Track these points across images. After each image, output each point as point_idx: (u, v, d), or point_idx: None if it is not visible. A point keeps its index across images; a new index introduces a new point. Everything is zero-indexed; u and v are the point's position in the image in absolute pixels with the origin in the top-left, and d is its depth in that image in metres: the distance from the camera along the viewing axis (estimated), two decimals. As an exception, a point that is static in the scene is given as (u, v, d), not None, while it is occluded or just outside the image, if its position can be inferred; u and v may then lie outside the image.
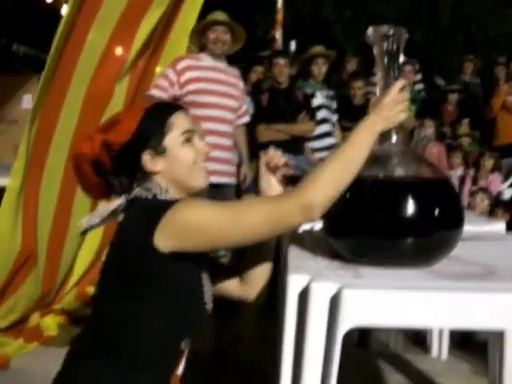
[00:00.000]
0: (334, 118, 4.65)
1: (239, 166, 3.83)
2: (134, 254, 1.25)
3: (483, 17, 10.96)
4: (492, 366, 2.02)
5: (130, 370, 1.26)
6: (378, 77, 1.40)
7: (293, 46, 7.41)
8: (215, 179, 3.23)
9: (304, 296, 1.21)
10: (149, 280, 1.25)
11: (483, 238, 1.86)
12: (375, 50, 1.40)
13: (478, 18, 10.99)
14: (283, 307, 1.27)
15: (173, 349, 1.33)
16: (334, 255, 1.44)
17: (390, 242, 1.32)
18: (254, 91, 4.65)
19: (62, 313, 3.20)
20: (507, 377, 1.70)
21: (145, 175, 1.36)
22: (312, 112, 4.21)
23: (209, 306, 1.38)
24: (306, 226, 1.85)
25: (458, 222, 1.37)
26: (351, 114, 4.49)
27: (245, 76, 5.30)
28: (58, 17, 2.82)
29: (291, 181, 1.44)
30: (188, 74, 3.34)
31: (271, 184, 1.45)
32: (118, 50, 3.01)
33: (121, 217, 1.36)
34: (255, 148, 3.79)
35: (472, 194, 4.95)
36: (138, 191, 1.35)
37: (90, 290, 3.49)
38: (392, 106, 1.30)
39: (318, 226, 1.59)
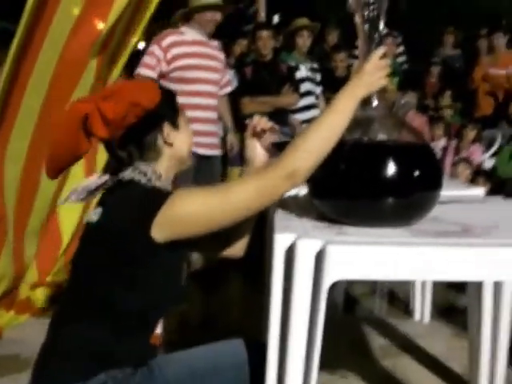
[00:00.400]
0: (318, 90, 4.68)
1: (224, 136, 3.87)
2: (127, 238, 1.28)
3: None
4: (471, 326, 2.11)
5: (114, 334, 1.31)
6: (360, 45, 1.45)
7: (276, 18, 7.41)
8: (203, 151, 3.26)
9: (290, 253, 1.27)
10: (139, 266, 1.30)
11: (462, 201, 1.93)
12: (356, 18, 1.44)
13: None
14: (270, 265, 1.33)
15: (154, 319, 1.40)
16: (319, 217, 1.50)
17: (371, 202, 1.38)
18: (238, 64, 4.67)
19: (51, 285, 3.24)
20: (486, 321, 1.79)
21: (155, 149, 1.39)
22: (296, 84, 4.24)
23: (183, 281, 1.44)
24: (291, 192, 1.91)
25: (436, 183, 1.44)
26: (334, 86, 4.51)
27: (229, 49, 5.31)
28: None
29: (279, 148, 1.48)
30: (174, 51, 3.36)
31: (257, 152, 1.50)
32: (94, 20, 2.94)
33: (106, 193, 1.38)
34: (240, 120, 3.83)
35: (454, 164, 5.04)
36: (131, 173, 1.36)
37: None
38: (373, 72, 1.35)
39: (304, 191, 1.64)
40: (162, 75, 3.37)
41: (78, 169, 3.04)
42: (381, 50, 1.37)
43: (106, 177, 1.38)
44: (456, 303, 3.18)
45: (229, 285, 3.58)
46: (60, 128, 1.36)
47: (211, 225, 1.29)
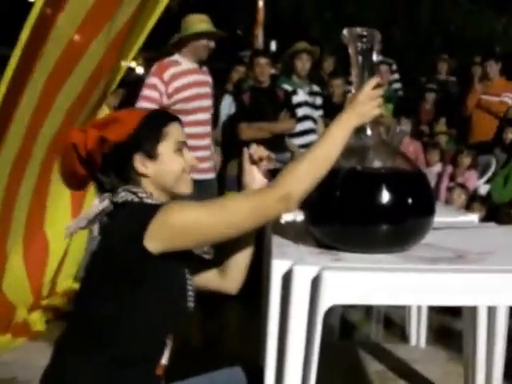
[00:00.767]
0: (317, 114, 4.67)
1: None
2: (124, 256, 1.30)
3: (461, 18, 11.14)
4: (467, 350, 2.13)
5: (116, 366, 1.31)
6: (353, 75, 1.50)
7: (273, 46, 7.51)
8: (200, 176, 3.29)
9: (287, 279, 1.30)
10: (136, 281, 1.31)
11: (456, 227, 1.96)
12: (350, 50, 1.49)
13: (456, 20, 11.16)
14: (268, 291, 1.35)
15: (157, 344, 1.38)
16: (315, 243, 1.53)
17: (365, 228, 1.42)
18: (236, 90, 4.73)
19: (48, 308, 3.25)
20: (481, 345, 1.81)
21: (132, 177, 1.41)
22: (293, 110, 4.29)
23: (191, 304, 1.42)
24: (288, 218, 1.94)
25: (429, 210, 1.47)
26: (331, 112, 4.57)
27: (226, 75, 5.39)
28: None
29: (274, 174, 1.52)
30: (175, 84, 3.36)
31: (254, 177, 1.53)
32: (81, 40, 2.95)
33: (105, 219, 1.40)
34: (237, 146, 3.86)
35: (449, 189, 5.08)
36: (124, 195, 1.38)
37: (77, 287, 3.54)
38: (366, 102, 1.38)
39: (300, 217, 1.67)
40: (165, 108, 3.36)
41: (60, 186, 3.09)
42: (374, 81, 1.41)
43: (106, 202, 1.40)
44: (452, 328, 3.18)
45: (226, 309, 3.58)
46: (61, 152, 1.46)
47: (202, 238, 1.31)
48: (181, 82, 3.40)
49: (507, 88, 5.91)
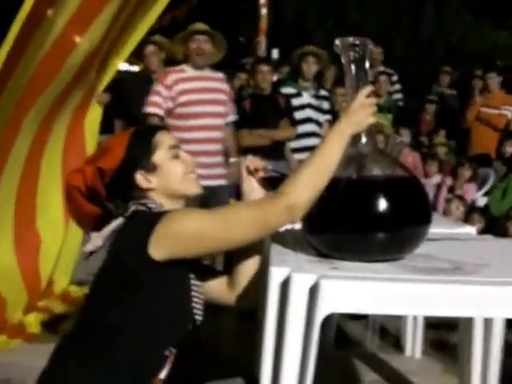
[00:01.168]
0: (323, 118, 4.62)
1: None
2: (129, 262, 1.32)
3: (463, 30, 11.19)
4: (462, 361, 2.13)
5: (114, 373, 1.32)
6: (347, 84, 1.50)
7: (275, 53, 7.53)
8: (209, 183, 3.30)
9: (285, 287, 1.30)
10: (141, 287, 1.32)
11: (454, 239, 1.96)
12: (343, 59, 1.49)
13: (458, 31, 11.22)
14: (265, 298, 1.35)
15: (157, 355, 1.39)
16: (313, 251, 1.53)
17: (362, 237, 1.42)
18: (237, 97, 4.73)
19: (44, 310, 3.24)
20: (476, 357, 1.81)
21: (140, 194, 1.43)
22: (293, 118, 4.30)
23: (199, 317, 1.43)
24: (287, 226, 1.94)
25: (425, 218, 1.48)
26: (335, 120, 4.54)
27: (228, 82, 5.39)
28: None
29: (270, 183, 1.54)
30: (177, 88, 3.52)
31: (253, 187, 1.54)
32: (72, 34, 2.95)
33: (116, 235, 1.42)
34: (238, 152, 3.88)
35: (447, 201, 5.09)
36: (134, 208, 1.41)
37: (73, 289, 3.54)
38: (360, 111, 1.39)
39: (298, 225, 1.68)
40: (169, 112, 3.53)
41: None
42: (367, 89, 1.41)
43: (120, 220, 1.42)
44: (447, 339, 3.18)
45: (221, 316, 3.57)
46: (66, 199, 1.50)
47: (204, 247, 1.32)
48: (182, 86, 3.54)
49: (507, 101, 5.94)
